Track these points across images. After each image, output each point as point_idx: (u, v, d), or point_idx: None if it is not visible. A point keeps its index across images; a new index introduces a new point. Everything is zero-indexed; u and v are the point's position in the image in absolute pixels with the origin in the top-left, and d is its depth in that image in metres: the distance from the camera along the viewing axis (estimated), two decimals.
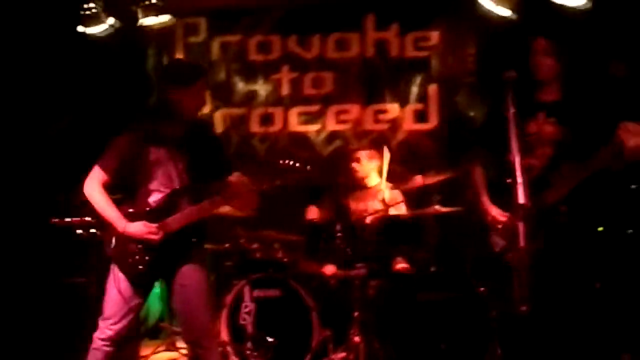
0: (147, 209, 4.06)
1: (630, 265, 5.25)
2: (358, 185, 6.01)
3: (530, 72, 3.74)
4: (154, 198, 4.07)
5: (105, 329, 4.04)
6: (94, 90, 6.82)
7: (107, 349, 4.04)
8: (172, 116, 4.08)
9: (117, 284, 4.02)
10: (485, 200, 3.90)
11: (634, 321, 5.01)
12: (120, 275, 4.03)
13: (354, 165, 5.99)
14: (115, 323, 4.03)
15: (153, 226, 4.00)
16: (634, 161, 3.40)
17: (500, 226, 3.76)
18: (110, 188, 4.09)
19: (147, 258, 4.02)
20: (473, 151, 4.19)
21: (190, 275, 4.11)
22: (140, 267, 4.02)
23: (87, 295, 5.25)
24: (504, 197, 3.67)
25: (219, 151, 4.34)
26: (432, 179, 5.46)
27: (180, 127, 4.11)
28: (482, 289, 4.74)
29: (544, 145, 3.55)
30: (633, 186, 5.53)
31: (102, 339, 4.04)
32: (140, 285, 4.09)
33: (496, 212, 3.80)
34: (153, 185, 4.08)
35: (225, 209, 5.64)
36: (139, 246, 4.01)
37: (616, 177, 5.35)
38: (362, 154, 6.01)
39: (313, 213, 5.82)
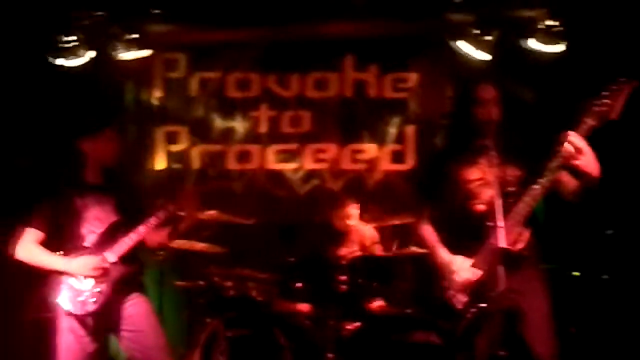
0: (85, 248, 4.03)
1: (606, 310, 5.27)
2: (339, 231, 6.00)
3: (471, 118, 3.72)
4: (89, 240, 4.06)
5: None
6: (67, 124, 6.75)
7: None
8: (87, 164, 4.11)
9: (70, 331, 3.95)
10: (443, 254, 3.74)
11: None
12: (72, 321, 3.96)
13: (349, 223, 5.95)
14: None
15: (96, 258, 3.96)
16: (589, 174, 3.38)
17: (461, 280, 3.65)
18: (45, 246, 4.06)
19: (98, 291, 3.95)
20: (416, 203, 4.11)
21: (138, 319, 4.07)
22: (93, 300, 3.94)
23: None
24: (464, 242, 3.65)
25: (137, 193, 4.39)
26: (408, 219, 5.47)
27: (98, 174, 4.14)
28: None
29: (490, 188, 3.50)
30: (609, 232, 5.57)
31: None
32: (95, 327, 3.99)
33: (460, 261, 3.66)
34: (85, 229, 4.07)
35: (200, 246, 5.64)
36: (87, 284, 3.95)
37: (592, 222, 5.45)
38: (353, 210, 6.00)
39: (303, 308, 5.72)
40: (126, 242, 4.02)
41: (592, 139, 3.37)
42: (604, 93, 3.28)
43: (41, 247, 4.02)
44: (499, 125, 3.63)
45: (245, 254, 6.20)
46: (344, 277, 5.10)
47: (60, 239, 4.06)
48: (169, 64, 7.39)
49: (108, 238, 4.05)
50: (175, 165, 7.31)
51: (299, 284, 5.21)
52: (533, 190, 3.42)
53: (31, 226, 4.03)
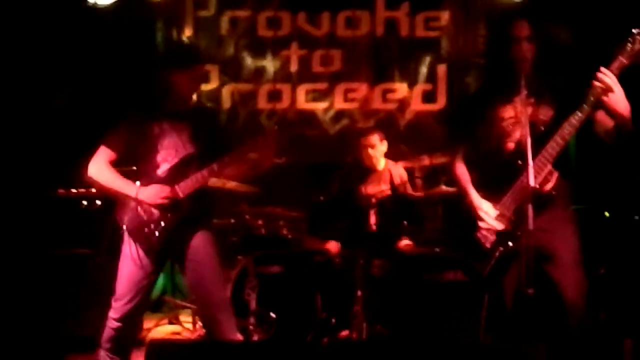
0: (158, 177, 4.03)
1: (635, 252, 5.24)
2: (368, 170, 5.98)
3: (505, 56, 3.67)
4: (162, 168, 4.05)
5: (119, 308, 4.05)
6: (101, 64, 6.79)
7: (118, 324, 4.05)
8: (169, 95, 4.10)
9: (133, 259, 4.01)
10: (473, 195, 3.73)
11: (636, 307, 5.01)
12: (136, 250, 4.01)
13: (370, 151, 5.93)
14: (128, 302, 4.03)
15: (166, 188, 3.97)
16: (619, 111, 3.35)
17: (486, 226, 3.65)
18: (117, 165, 4.08)
19: (162, 225, 3.99)
20: (451, 142, 4.12)
21: (201, 250, 4.10)
22: (157, 233, 3.99)
23: (93, 266, 5.24)
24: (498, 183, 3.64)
25: (217, 125, 4.40)
26: (439, 159, 5.46)
27: (178, 104, 4.13)
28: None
29: (523, 127, 3.47)
30: None
31: (115, 319, 4.05)
32: (156, 259, 4.06)
33: (487, 207, 3.65)
34: (160, 157, 4.06)
35: (231, 185, 5.67)
36: (154, 215, 3.99)
37: (625, 163, 5.39)
38: (375, 139, 5.95)
39: (333, 247, 5.73)
40: (197, 179, 3.99)
41: (625, 79, 3.33)
42: (637, 31, 3.23)
43: (113, 169, 4.04)
44: (533, 64, 3.58)
45: (276, 193, 6.23)
46: (373, 216, 5.11)
47: (135, 164, 4.11)
48: (199, 3, 7.38)
49: (181, 170, 4.02)
50: (207, 104, 7.34)
51: (328, 222, 5.23)
52: (563, 130, 3.40)
53: (106, 145, 4.04)
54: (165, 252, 4.09)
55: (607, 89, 3.28)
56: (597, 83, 3.30)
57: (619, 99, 3.32)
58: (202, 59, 4.32)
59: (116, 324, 4.06)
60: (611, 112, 3.36)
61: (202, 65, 4.21)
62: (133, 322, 4.16)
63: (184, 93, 4.12)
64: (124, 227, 4.04)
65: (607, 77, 3.28)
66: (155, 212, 3.99)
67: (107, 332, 4.10)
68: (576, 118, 3.37)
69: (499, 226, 3.55)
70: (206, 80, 4.31)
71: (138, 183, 4.05)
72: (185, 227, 4.05)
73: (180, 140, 4.08)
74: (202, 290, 4.15)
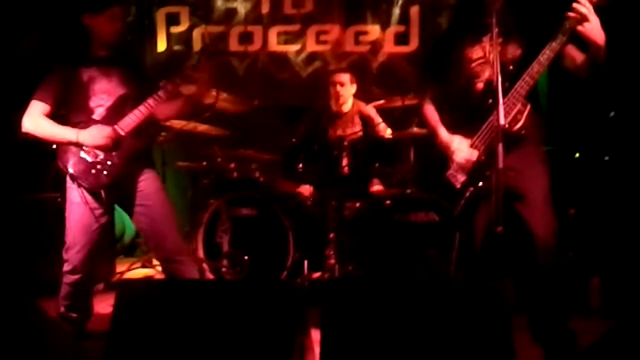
0: (95, 121, 4.00)
1: (605, 192, 5.29)
2: (337, 111, 5.96)
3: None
4: (98, 112, 4.03)
5: (71, 257, 4.02)
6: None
7: (74, 277, 4.03)
8: (91, 41, 4.06)
9: (79, 204, 3.99)
10: (443, 134, 3.75)
11: (605, 248, 5.08)
12: (82, 194, 3.99)
13: (339, 89, 5.89)
14: (80, 250, 4.01)
15: (107, 128, 3.96)
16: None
17: (461, 159, 3.66)
18: (52, 117, 4.04)
19: (109, 164, 3.97)
20: (420, 83, 4.12)
21: (151, 193, 4.12)
22: (105, 172, 3.97)
23: (59, 210, 5.21)
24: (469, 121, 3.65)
25: (143, 69, 4.36)
26: (411, 101, 5.45)
27: (103, 48, 4.08)
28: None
29: (492, 67, 3.47)
30: (611, 114, 5.55)
31: (69, 270, 4.03)
32: (104, 200, 4.04)
33: (458, 142, 3.67)
34: (93, 102, 4.04)
35: (203, 127, 5.63)
36: (99, 156, 3.97)
37: (595, 104, 5.43)
38: (345, 78, 5.92)
39: (305, 190, 5.72)
40: (136, 115, 3.99)
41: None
42: None
43: (49, 119, 3.99)
44: (503, 4, 3.56)
45: (248, 136, 6.21)
46: (345, 159, 5.10)
47: (69, 111, 4.05)
48: None
49: (117, 111, 4.01)
50: (177, 47, 7.25)
51: (300, 165, 5.22)
52: (532, 68, 3.42)
53: (37, 99, 3.99)
54: (112, 193, 4.06)
55: (583, 19, 3.30)
56: (572, 14, 3.32)
57: (594, 28, 3.34)
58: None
59: (71, 277, 4.03)
60: (588, 41, 3.37)
61: (116, 7, 4.06)
62: (89, 273, 4.08)
63: (105, 37, 4.06)
64: (70, 172, 3.99)
65: (583, 6, 3.30)
66: (100, 152, 3.97)
67: (64, 289, 4.07)
68: (547, 53, 3.38)
69: (474, 156, 3.56)
70: (125, 20, 4.16)
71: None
72: (131, 167, 4.05)
73: (111, 84, 4.07)
74: (155, 234, 4.14)
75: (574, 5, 3.32)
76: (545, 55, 3.39)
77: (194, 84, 4.14)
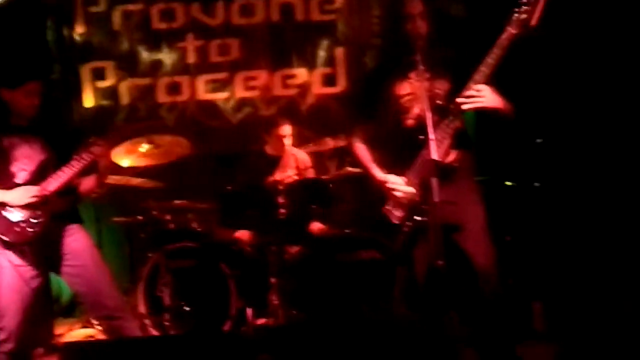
0: (17, 185, 4.00)
1: (539, 218, 5.40)
2: (274, 157, 5.98)
3: (400, 34, 3.74)
4: (20, 176, 4.03)
5: (6, 326, 3.92)
6: None
7: (10, 346, 3.93)
8: (10, 111, 4.09)
9: (7, 268, 3.92)
10: (376, 172, 3.78)
11: (543, 272, 5.17)
12: (7, 257, 3.93)
13: (285, 141, 5.93)
14: (14, 316, 3.92)
15: (33, 188, 3.95)
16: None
17: (399, 195, 3.69)
18: None
19: (34, 221, 3.93)
20: (350, 123, 4.15)
21: (81, 253, 4.09)
22: (29, 230, 3.93)
23: None
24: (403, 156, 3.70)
25: (67, 131, 4.42)
26: (342, 142, 5.50)
27: (21, 119, 4.11)
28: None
29: (421, 103, 3.53)
30: (538, 140, 5.67)
31: (4, 339, 3.92)
32: (34, 261, 3.97)
33: (394, 178, 3.68)
34: (15, 167, 4.04)
35: (136, 181, 5.58)
36: (24, 214, 3.93)
37: (522, 132, 5.54)
38: (288, 129, 5.97)
39: (244, 235, 5.70)
40: (59, 176, 3.99)
41: (519, 48, 3.42)
42: (523, 1, 3.34)
43: None
44: (428, 40, 3.64)
45: (183, 186, 6.17)
46: (282, 202, 5.10)
47: None
48: None
49: (40, 175, 4.01)
50: (104, 102, 7.18)
51: (238, 213, 5.20)
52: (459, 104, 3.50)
53: None
54: (39, 251, 4.00)
55: (476, 96, 3.44)
56: (460, 101, 3.47)
57: (487, 102, 3.45)
58: (33, 75, 4.20)
59: (7, 346, 3.92)
60: (489, 113, 3.49)
61: (32, 83, 4.10)
62: (26, 339, 4.00)
63: (22, 110, 4.09)
64: None
65: (466, 94, 3.44)
66: (24, 211, 3.93)
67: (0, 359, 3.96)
68: (447, 123, 3.52)
69: (412, 191, 3.59)
70: (39, 95, 4.17)
71: None
72: (57, 225, 4.04)
73: (32, 150, 4.07)
74: (92, 293, 4.11)
75: (456, 101, 3.47)
76: (447, 124, 3.54)
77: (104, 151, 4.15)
